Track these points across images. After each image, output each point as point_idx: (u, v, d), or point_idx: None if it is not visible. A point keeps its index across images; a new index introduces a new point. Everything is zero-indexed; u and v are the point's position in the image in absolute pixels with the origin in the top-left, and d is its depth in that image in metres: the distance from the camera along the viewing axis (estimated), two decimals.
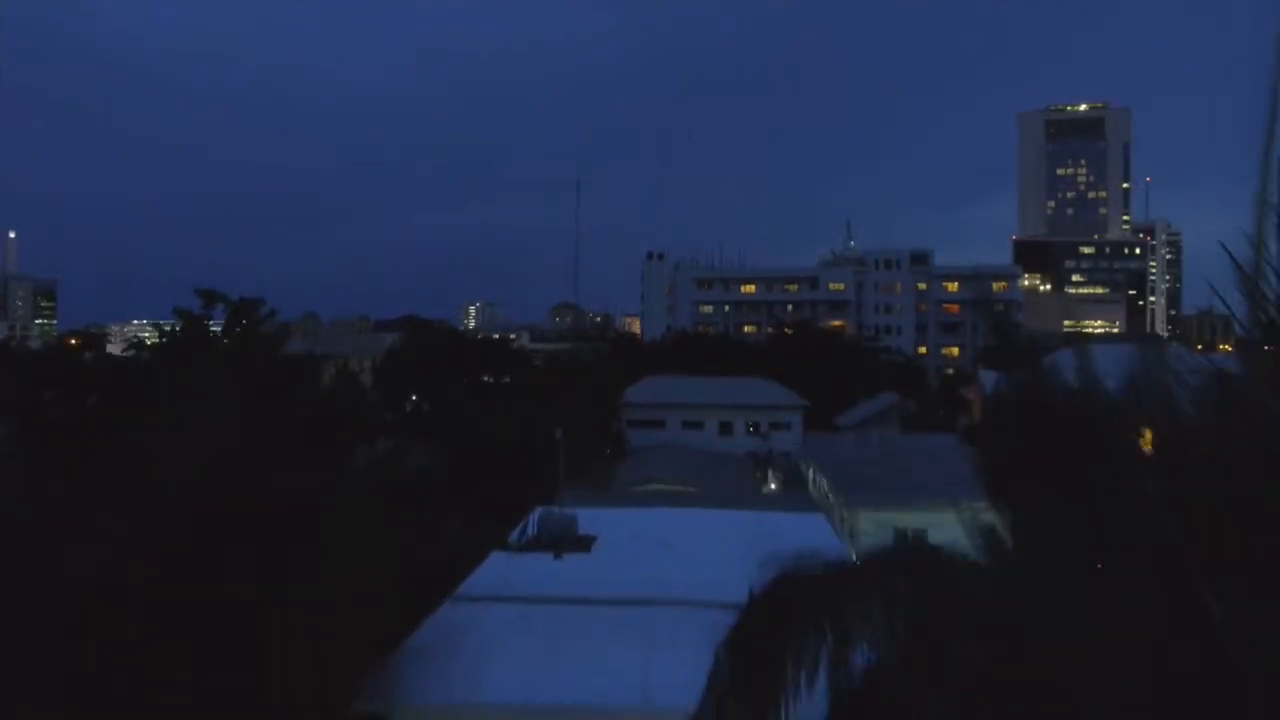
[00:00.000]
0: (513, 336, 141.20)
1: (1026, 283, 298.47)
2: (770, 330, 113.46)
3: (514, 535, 25.66)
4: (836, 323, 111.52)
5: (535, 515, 26.42)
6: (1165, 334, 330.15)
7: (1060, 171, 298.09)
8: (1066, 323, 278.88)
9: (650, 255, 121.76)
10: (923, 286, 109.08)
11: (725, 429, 70.32)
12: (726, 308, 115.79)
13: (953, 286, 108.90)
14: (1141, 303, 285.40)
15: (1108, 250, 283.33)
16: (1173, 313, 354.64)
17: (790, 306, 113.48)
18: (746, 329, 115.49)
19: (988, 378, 59.05)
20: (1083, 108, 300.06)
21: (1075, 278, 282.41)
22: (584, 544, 24.31)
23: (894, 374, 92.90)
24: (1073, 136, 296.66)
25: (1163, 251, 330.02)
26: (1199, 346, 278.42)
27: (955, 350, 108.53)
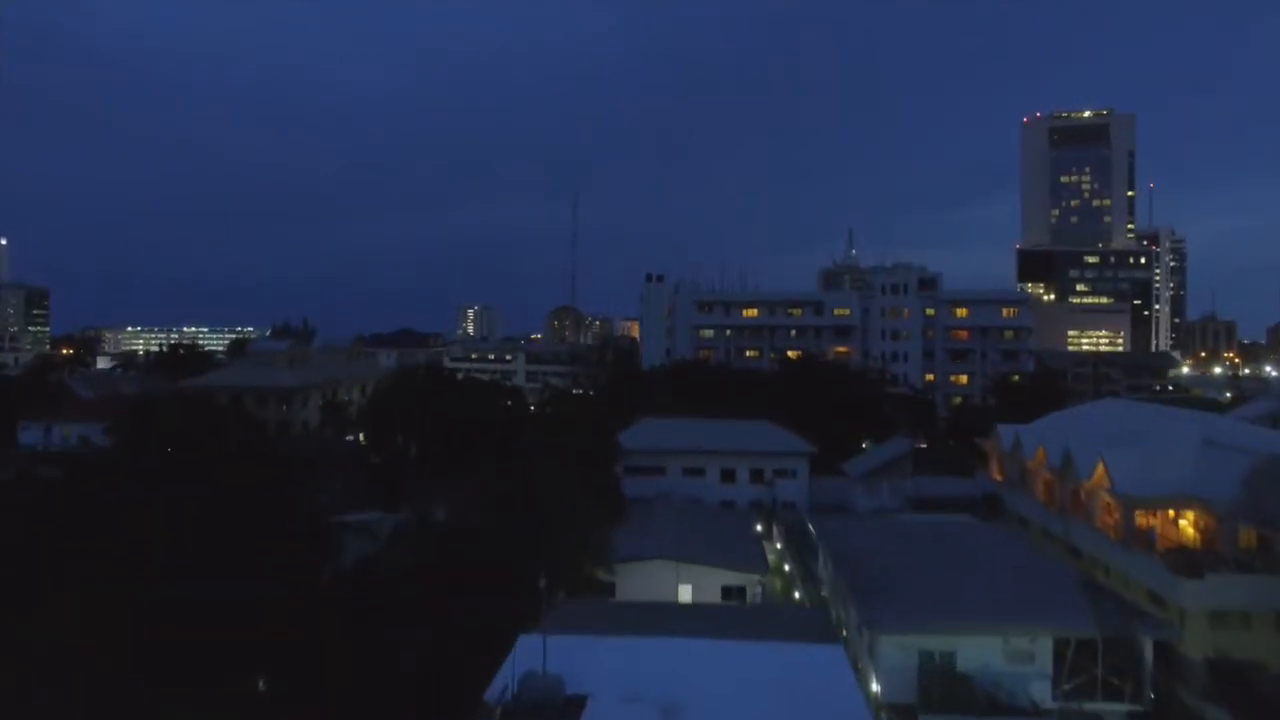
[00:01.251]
0: (508, 358, 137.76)
1: (1028, 288, 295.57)
2: (773, 356, 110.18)
3: (491, 695, 22.46)
4: (841, 349, 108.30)
5: (516, 666, 23.17)
6: (1170, 343, 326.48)
7: (1064, 179, 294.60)
8: (1071, 333, 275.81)
9: (649, 277, 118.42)
10: (930, 312, 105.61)
11: (727, 476, 67.03)
12: (727, 332, 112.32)
13: (961, 312, 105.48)
14: (1147, 313, 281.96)
15: (1112, 260, 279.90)
16: (1176, 320, 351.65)
17: (793, 332, 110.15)
18: (748, 354, 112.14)
19: (1007, 434, 55.78)
20: (1087, 114, 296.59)
21: (1080, 287, 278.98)
22: (572, 713, 21.08)
23: (902, 406, 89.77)
24: (1077, 144, 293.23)
25: (1167, 259, 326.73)
26: (1203, 355, 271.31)
27: (964, 378, 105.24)
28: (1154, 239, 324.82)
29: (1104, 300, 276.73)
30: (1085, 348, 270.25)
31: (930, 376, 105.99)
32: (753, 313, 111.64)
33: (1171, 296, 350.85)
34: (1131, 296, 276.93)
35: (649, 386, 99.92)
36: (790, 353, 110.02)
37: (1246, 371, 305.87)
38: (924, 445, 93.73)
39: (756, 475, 67.04)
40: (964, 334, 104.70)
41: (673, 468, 66.97)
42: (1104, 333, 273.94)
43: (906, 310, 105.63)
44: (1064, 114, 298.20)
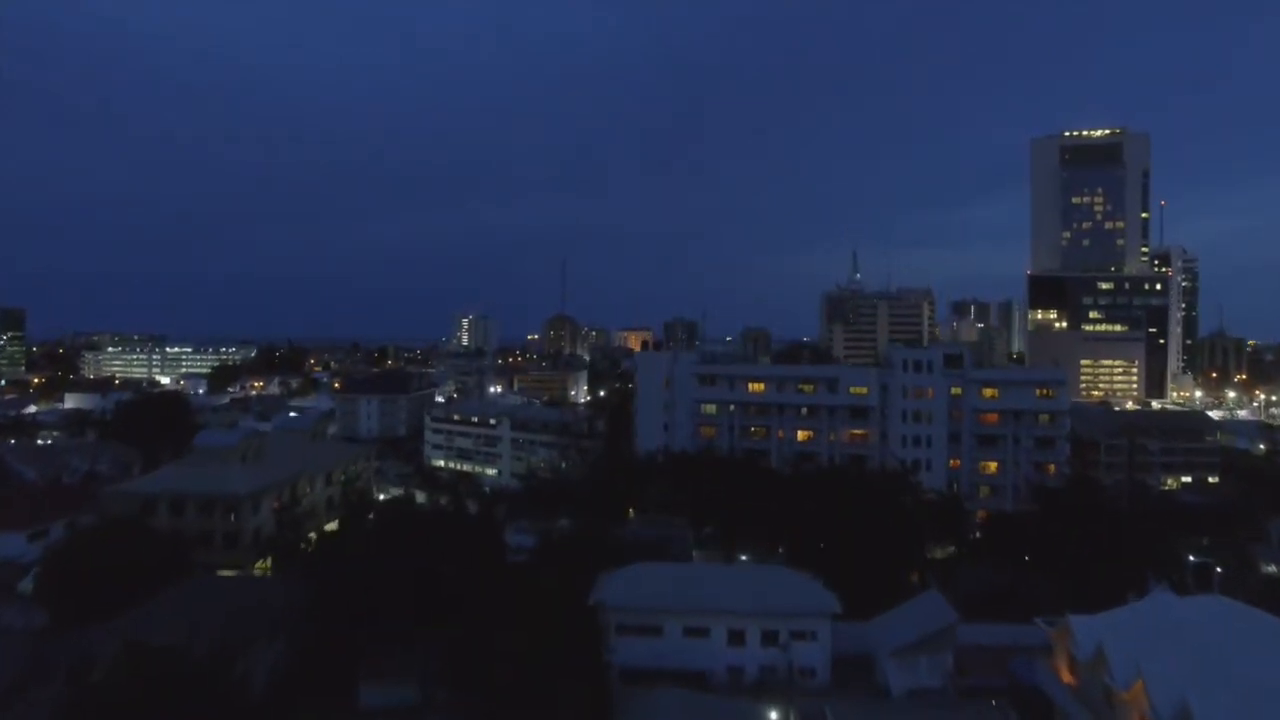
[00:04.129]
0: (493, 423, 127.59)
1: (1040, 316, 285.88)
2: (781, 435, 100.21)
3: None
4: (857, 431, 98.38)
5: None
6: (1181, 365, 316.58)
7: (1076, 200, 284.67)
8: (1084, 362, 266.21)
9: (645, 344, 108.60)
10: (956, 392, 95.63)
11: (735, 638, 57.11)
12: (731, 407, 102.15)
13: (991, 393, 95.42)
14: (1162, 341, 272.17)
15: (1127, 286, 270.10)
16: (1189, 341, 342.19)
17: (804, 410, 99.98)
18: (754, 432, 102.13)
19: (1084, 634, 45.58)
20: (1099, 134, 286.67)
21: (1093, 314, 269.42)
22: None
23: (930, 516, 79.87)
24: (1089, 164, 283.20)
25: (1179, 279, 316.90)
26: (1213, 375, 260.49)
27: (993, 465, 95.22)
28: (1165, 258, 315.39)
29: (1117, 328, 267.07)
30: (1101, 382, 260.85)
31: (955, 462, 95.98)
32: (759, 388, 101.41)
33: (1183, 317, 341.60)
34: (1146, 323, 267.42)
35: (645, 481, 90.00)
36: (801, 433, 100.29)
37: (1262, 398, 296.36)
38: (954, 549, 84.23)
39: (769, 636, 57.26)
40: (994, 417, 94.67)
41: (671, 627, 57.12)
42: (1118, 362, 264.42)
43: (930, 390, 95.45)
44: (1075, 132, 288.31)
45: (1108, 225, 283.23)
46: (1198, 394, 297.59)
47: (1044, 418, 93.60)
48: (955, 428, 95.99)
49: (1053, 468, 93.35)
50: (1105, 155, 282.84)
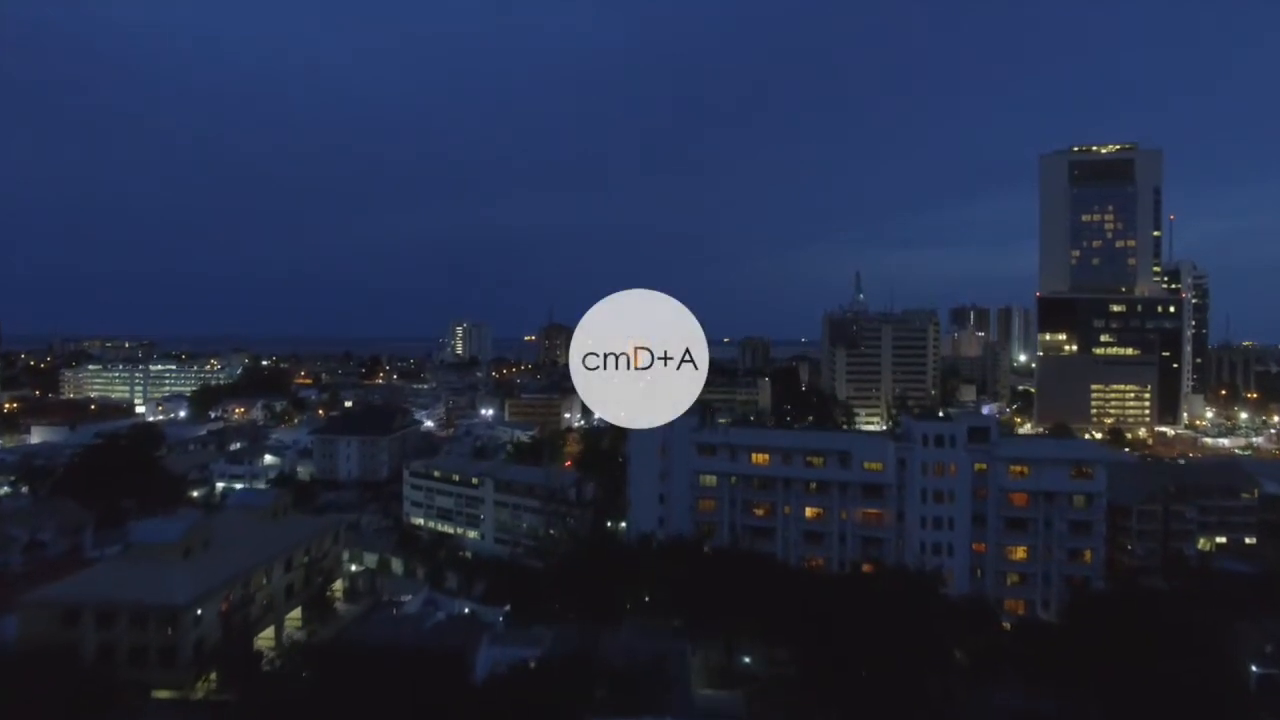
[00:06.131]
0: (475, 482, 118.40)
1: (1050, 339, 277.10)
2: (787, 510, 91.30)
3: None
4: (871, 511, 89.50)
5: None
6: (1192, 384, 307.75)
7: (1086, 218, 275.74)
8: (1095, 387, 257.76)
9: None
10: (981, 468, 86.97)
11: None
12: (733, 479, 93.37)
13: (1019, 470, 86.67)
14: (1176, 365, 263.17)
15: (1139, 308, 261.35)
16: (1198, 360, 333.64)
17: (813, 485, 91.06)
18: (758, 507, 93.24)
19: None
20: (1109, 149, 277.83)
21: (1104, 338, 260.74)
22: None
23: (955, 624, 71.15)
24: (1099, 181, 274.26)
25: (1189, 297, 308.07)
26: (1223, 392, 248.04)
27: (1022, 551, 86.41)
28: (1175, 274, 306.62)
29: (1129, 351, 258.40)
30: (1112, 408, 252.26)
31: (979, 546, 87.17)
32: (763, 459, 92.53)
33: (1193, 334, 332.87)
34: (1159, 346, 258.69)
35: (637, 569, 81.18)
36: (809, 510, 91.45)
37: (1278, 420, 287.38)
38: (982, 654, 75.63)
39: None
40: (1023, 498, 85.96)
41: None
42: (1130, 387, 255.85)
43: (953, 466, 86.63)
44: (1085, 148, 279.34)
45: (1118, 244, 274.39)
46: (1209, 414, 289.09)
47: (1079, 500, 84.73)
48: (979, 508, 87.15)
49: (1089, 554, 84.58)
50: (1116, 172, 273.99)
